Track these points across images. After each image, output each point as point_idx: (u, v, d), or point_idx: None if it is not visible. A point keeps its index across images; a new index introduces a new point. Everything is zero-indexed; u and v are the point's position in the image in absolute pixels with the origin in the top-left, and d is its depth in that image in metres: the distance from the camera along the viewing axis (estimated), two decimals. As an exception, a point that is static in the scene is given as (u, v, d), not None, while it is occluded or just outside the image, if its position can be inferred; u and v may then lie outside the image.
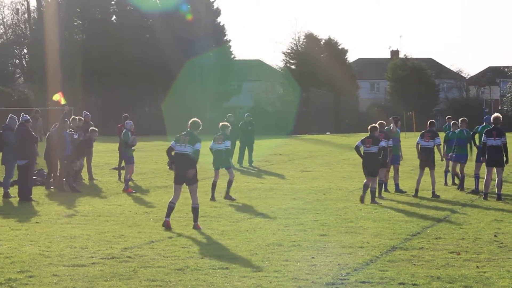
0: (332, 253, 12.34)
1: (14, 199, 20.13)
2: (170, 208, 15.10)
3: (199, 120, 15.46)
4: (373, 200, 19.03)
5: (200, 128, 15.33)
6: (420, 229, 14.79)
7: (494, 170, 19.81)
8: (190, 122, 15.40)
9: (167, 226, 14.91)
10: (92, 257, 12.03)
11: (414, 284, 10.19)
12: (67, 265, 11.43)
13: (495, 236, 14.02)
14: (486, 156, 19.88)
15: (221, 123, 20.67)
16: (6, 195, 20.43)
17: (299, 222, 15.83)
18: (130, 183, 23.27)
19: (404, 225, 15.32)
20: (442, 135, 22.32)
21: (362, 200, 18.94)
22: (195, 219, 15.04)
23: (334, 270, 11.08)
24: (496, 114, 20.53)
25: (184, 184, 15.03)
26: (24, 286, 10.17)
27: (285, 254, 12.31)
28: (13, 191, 20.89)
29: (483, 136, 20.22)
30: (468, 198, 20.09)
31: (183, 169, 14.91)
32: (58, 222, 15.93)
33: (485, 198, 19.75)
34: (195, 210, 15.04)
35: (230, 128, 20.60)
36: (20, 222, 15.97)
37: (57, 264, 11.50)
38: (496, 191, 19.97)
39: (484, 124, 22.50)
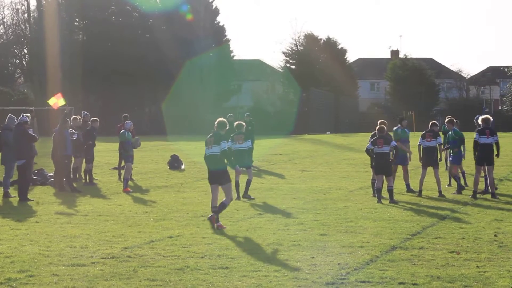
0: (332, 253, 12.34)
1: (14, 199, 20.14)
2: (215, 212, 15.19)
3: (225, 120, 15.58)
4: (391, 199, 19.05)
5: (226, 128, 15.46)
6: (420, 229, 14.79)
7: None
8: (216, 122, 15.49)
9: (218, 227, 14.90)
10: (92, 256, 12.03)
11: (414, 284, 10.19)
12: (67, 264, 11.43)
13: (495, 235, 14.01)
14: (477, 154, 19.99)
15: (236, 122, 20.72)
16: (6, 195, 20.44)
17: (299, 221, 15.83)
18: (130, 182, 23.29)
19: (404, 225, 15.32)
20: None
21: (380, 200, 18.99)
22: (217, 212, 15.04)
23: (334, 269, 11.08)
24: (485, 116, 20.51)
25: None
26: (24, 285, 10.17)
27: (285, 253, 12.31)
28: (13, 191, 20.90)
29: (475, 135, 20.26)
30: (469, 198, 20.06)
31: (214, 169, 15.07)
32: (58, 222, 15.94)
33: (474, 196, 19.81)
34: (222, 205, 15.07)
35: (244, 126, 20.56)
36: (20, 222, 15.98)
37: (57, 263, 11.50)
38: (490, 190, 20.08)
39: None
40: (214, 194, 15.29)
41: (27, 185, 20.17)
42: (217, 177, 15.17)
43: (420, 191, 20.54)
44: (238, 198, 19.88)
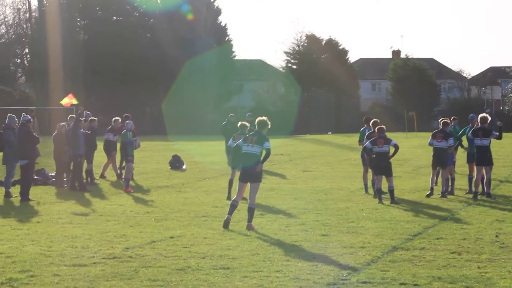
0: (334, 253, 12.34)
1: (16, 198, 20.14)
2: (233, 206, 15.19)
3: (266, 119, 15.58)
4: (392, 199, 19.02)
5: (268, 127, 15.52)
6: (421, 229, 14.78)
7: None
8: (257, 121, 15.53)
9: (226, 223, 14.96)
10: (94, 256, 12.03)
11: (415, 285, 10.19)
12: (68, 264, 11.43)
13: (496, 236, 14.01)
14: (476, 156, 20.11)
15: (240, 123, 20.56)
16: (8, 195, 20.44)
17: (300, 222, 15.83)
18: (131, 182, 23.30)
19: (406, 225, 15.32)
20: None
21: (381, 201, 18.95)
22: (250, 219, 15.03)
23: (335, 270, 11.08)
24: (482, 115, 20.50)
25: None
26: (25, 285, 10.17)
27: (286, 254, 12.31)
28: (15, 191, 20.90)
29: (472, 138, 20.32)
30: (470, 199, 20.04)
31: (250, 168, 15.08)
32: (59, 222, 15.94)
33: (475, 197, 19.79)
34: (251, 210, 15.05)
35: (249, 128, 20.46)
36: (21, 222, 15.98)
37: (58, 263, 11.51)
38: (485, 190, 20.08)
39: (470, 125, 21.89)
40: (240, 191, 15.31)
41: (28, 185, 20.18)
42: (250, 175, 15.10)
43: (432, 189, 20.37)
44: (229, 198, 19.82)
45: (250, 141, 15.27)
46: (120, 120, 26.03)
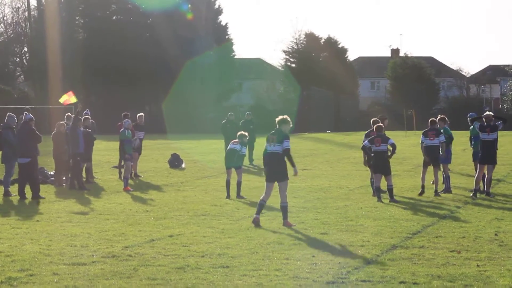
0: (333, 252, 12.34)
1: (15, 197, 20.14)
2: (261, 205, 15.26)
3: (286, 117, 15.49)
4: (391, 198, 19.00)
5: (290, 125, 15.47)
6: (420, 228, 14.78)
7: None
8: (277, 120, 15.46)
9: (256, 223, 15.01)
10: (93, 255, 12.03)
11: (414, 283, 10.18)
12: (67, 263, 11.43)
13: (495, 234, 14.01)
14: (480, 152, 20.08)
15: (239, 133, 20.59)
16: (7, 194, 20.44)
17: (299, 220, 15.83)
18: (130, 181, 23.29)
19: (405, 224, 15.32)
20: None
21: (380, 199, 18.93)
22: (284, 216, 15.12)
23: (335, 268, 11.08)
24: (485, 114, 20.51)
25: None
26: (24, 284, 10.16)
27: (286, 252, 12.31)
28: (13, 189, 20.90)
29: (479, 133, 20.32)
30: (469, 197, 20.05)
31: (274, 167, 15.16)
32: (59, 221, 15.94)
33: (474, 195, 19.75)
34: (283, 208, 15.14)
35: (247, 138, 20.54)
36: (20, 221, 15.98)
37: (58, 262, 11.50)
38: (485, 189, 20.06)
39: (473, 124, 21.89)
40: (268, 191, 15.34)
41: (37, 184, 20.17)
42: (276, 175, 15.17)
43: (423, 187, 20.37)
44: (228, 197, 19.91)
45: (271, 140, 15.30)
46: (143, 115, 26.24)
